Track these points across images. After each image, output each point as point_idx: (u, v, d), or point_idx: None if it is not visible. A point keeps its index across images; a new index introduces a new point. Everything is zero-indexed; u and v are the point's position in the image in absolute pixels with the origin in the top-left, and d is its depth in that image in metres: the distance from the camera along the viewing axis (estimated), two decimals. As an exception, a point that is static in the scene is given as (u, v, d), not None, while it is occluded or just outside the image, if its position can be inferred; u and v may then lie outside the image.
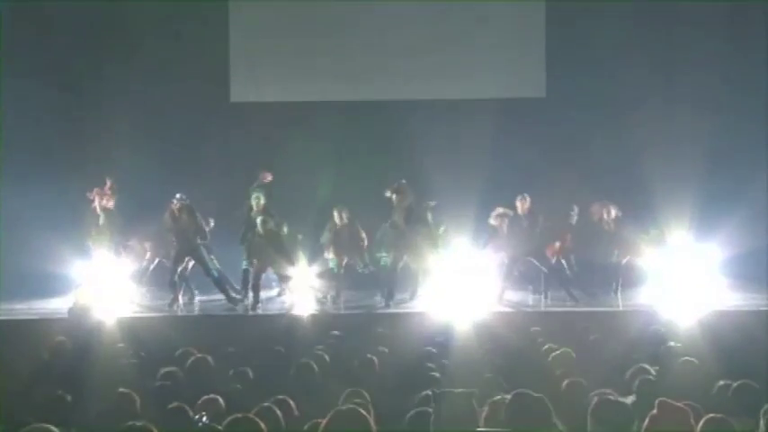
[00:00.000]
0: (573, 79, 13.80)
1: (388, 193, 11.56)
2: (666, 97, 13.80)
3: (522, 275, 12.24)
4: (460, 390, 5.52)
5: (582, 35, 13.73)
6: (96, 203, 11.95)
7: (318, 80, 14.05)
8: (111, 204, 12.00)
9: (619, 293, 12.02)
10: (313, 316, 10.88)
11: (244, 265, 12.04)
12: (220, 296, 11.88)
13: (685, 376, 7.28)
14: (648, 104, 13.85)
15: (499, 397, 5.62)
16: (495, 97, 14.00)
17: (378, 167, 13.80)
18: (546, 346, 8.56)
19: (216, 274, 11.76)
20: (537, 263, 11.84)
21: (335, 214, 12.00)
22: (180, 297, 11.75)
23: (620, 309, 11.16)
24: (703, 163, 13.80)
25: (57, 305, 11.24)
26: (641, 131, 13.94)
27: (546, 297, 11.87)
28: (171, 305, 11.53)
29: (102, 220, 11.91)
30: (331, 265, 12.03)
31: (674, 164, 13.83)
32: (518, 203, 11.68)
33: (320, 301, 11.68)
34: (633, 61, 13.72)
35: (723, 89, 13.83)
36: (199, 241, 11.64)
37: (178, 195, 11.64)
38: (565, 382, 6.51)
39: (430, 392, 5.84)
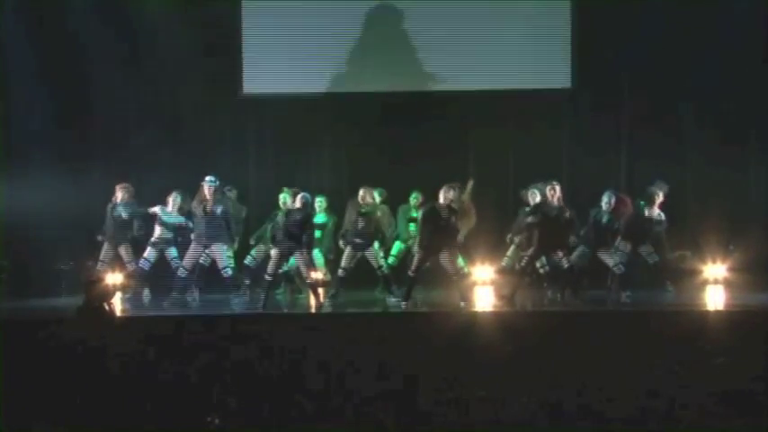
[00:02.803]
0: (599, 70, 13.87)
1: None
2: (696, 87, 13.83)
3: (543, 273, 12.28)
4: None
5: (608, 24, 13.78)
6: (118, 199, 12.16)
7: (333, 72, 14.16)
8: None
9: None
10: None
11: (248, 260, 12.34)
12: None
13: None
14: (679, 94, 13.91)
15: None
16: (520, 88, 14.07)
17: (395, 161, 13.94)
18: (567, 348, 8.70)
19: (230, 271, 11.73)
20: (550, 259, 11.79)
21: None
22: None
23: (642, 309, 11.11)
24: (734, 152, 13.90)
25: (65, 303, 11.36)
26: (670, 122, 14.02)
27: (562, 297, 11.63)
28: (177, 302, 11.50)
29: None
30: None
31: (706, 155, 13.91)
32: (548, 192, 11.34)
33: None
34: (659, 50, 13.77)
35: (754, 73, 13.88)
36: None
37: (210, 178, 11.61)
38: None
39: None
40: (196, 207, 11.56)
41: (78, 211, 13.13)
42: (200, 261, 12.11)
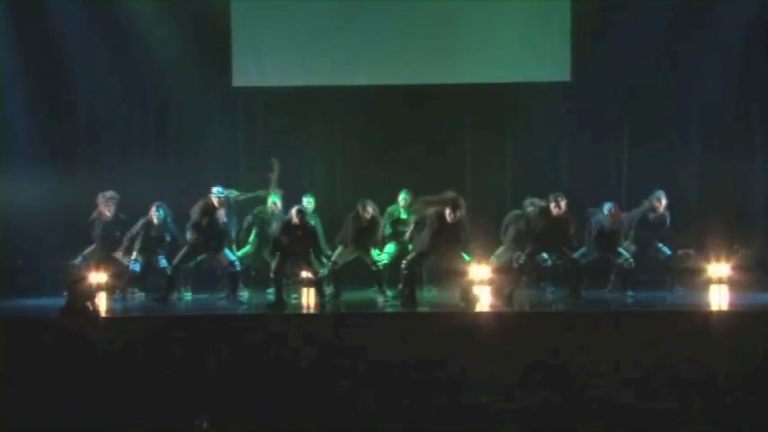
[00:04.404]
0: (598, 63, 13.82)
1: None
2: (698, 82, 13.76)
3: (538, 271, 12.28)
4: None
5: (608, 17, 13.71)
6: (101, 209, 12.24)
7: (324, 64, 14.00)
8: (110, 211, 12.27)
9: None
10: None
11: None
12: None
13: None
14: (680, 88, 13.88)
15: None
16: (518, 81, 14.03)
17: (387, 154, 13.89)
18: (566, 349, 8.71)
19: (237, 267, 11.80)
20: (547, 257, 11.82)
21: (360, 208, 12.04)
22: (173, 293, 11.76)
23: (644, 309, 11.00)
24: (738, 147, 13.88)
25: (47, 303, 11.27)
26: (672, 116, 13.99)
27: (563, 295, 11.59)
28: (164, 300, 11.49)
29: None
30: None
31: (708, 151, 13.90)
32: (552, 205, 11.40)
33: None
34: (660, 43, 13.73)
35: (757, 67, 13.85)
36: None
37: (218, 189, 11.72)
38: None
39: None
40: (199, 217, 11.63)
41: (64, 209, 13.07)
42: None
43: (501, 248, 12.42)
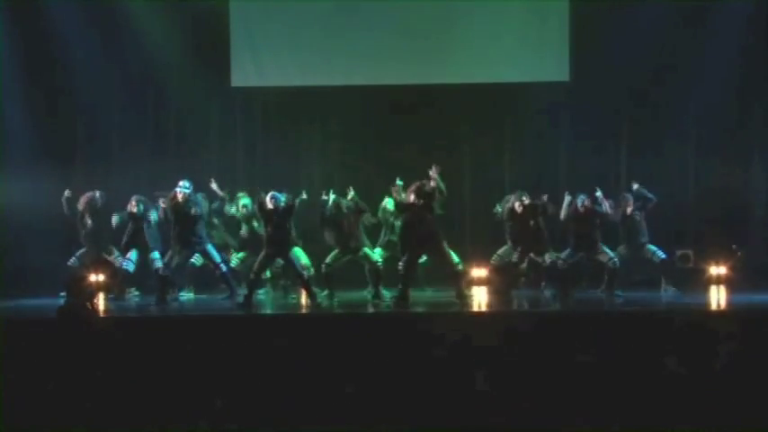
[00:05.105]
0: (598, 63, 13.88)
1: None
2: (697, 81, 13.83)
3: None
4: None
5: (607, 16, 13.76)
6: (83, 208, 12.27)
7: (322, 64, 14.10)
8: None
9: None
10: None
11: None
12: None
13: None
14: (679, 88, 13.93)
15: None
16: (517, 81, 14.08)
17: (386, 155, 13.96)
18: (567, 350, 8.78)
19: (225, 267, 11.88)
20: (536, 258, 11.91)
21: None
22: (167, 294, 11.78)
23: (643, 310, 11.00)
24: (736, 147, 13.95)
25: (46, 303, 11.33)
26: (670, 116, 14.06)
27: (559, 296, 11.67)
28: (162, 301, 11.53)
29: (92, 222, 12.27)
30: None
31: (707, 151, 13.96)
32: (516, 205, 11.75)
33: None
34: (659, 43, 13.79)
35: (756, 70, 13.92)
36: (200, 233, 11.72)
37: (183, 183, 11.67)
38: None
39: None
40: (171, 212, 11.66)
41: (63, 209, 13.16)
42: (192, 260, 12.20)
43: (504, 247, 12.45)
